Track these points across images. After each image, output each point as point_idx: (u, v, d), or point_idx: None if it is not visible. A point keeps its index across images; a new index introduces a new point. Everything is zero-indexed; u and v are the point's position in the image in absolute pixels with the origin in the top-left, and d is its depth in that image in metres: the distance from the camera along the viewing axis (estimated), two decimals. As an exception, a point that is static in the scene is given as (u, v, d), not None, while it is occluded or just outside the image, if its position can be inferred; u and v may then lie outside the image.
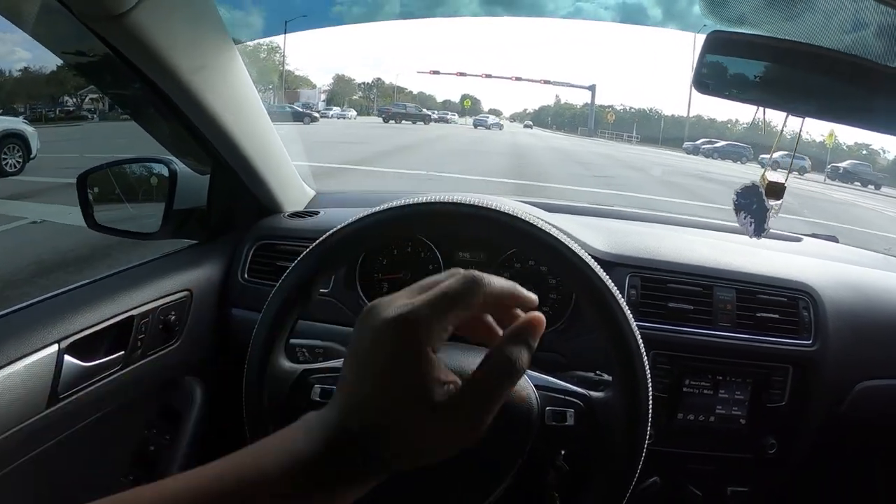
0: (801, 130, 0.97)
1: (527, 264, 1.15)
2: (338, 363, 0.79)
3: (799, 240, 1.49)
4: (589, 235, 1.16)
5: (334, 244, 0.72)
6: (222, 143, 1.06)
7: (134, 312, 0.97)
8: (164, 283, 1.05)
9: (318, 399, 0.74)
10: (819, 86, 0.87)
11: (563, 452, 0.81)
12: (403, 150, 12.00)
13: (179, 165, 1.15)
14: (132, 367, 0.97)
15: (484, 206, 0.71)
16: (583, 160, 13.19)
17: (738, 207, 1.08)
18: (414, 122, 18.38)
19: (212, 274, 1.16)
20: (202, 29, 0.90)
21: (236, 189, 1.19)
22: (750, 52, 0.87)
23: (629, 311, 0.70)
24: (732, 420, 1.09)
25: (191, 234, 1.21)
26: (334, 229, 0.72)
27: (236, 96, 1.02)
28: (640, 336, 0.71)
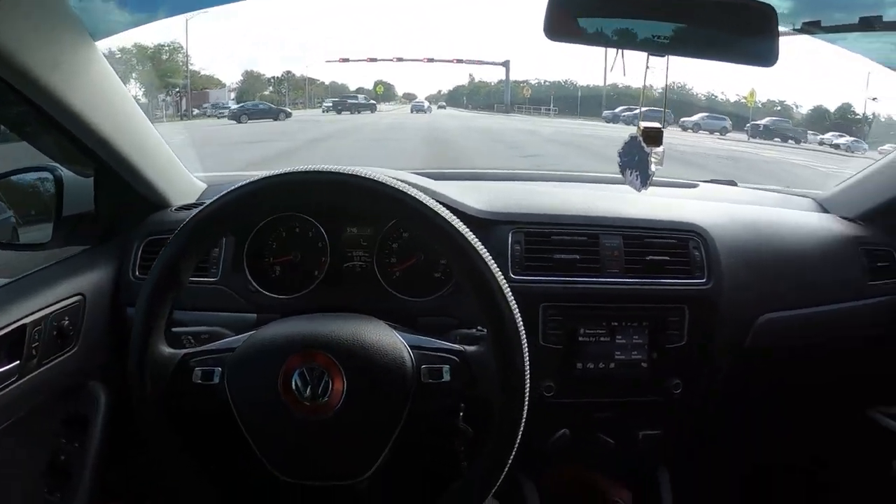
0: (667, 70, 0.98)
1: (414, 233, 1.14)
2: (218, 345, 0.79)
3: (695, 185, 1.55)
4: (470, 197, 1.17)
5: (193, 227, 0.73)
6: (95, 143, 1.03)
7: (26, 321, 0.94)
8: (55, 289, 1.03)
9: (199, 382, 0.75)
10: (674, 24, 0.87)
11: (461, 414, 0.83)
12: (316, 142, 11.51)
13: (65, 172, 1.11)
14: (29, 376, 0.94)
15: (341, 172, 0.72)
16: (505, 139, 12.97)
17: (623, 166, 1.08)
18: (360, 112, 19.27)
19: (104, 276, 1.14)
20: (52, 25, 0.87)
21: (121, 189, 1.17)
22: None
23: (489, 257, 0.72)
24: (633, 365, 1.11)
25: (84, 240, 1.18)
26: (192, 214, 0.74)
27: (100, 92, 1.00)
28: (504, 281, 0.72)
